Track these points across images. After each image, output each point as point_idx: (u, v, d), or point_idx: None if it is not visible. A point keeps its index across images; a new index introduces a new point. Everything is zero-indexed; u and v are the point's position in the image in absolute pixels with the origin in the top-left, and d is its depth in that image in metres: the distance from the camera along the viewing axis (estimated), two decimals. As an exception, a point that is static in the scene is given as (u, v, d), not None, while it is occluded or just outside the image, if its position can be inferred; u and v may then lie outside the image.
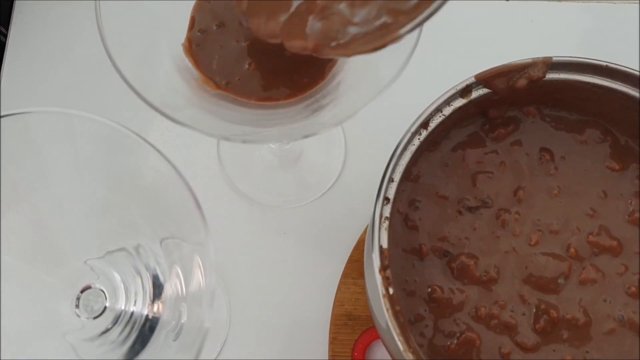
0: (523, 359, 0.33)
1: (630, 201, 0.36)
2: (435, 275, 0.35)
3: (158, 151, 0.24)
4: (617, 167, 0.36)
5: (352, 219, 0.46)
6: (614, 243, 0.35)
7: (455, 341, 0.34)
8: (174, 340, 0.28)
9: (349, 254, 0.44)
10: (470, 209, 0.36)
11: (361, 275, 0.43)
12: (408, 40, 0.29)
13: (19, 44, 0.50)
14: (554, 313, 0.33)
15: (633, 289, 0.34)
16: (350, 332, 0.42)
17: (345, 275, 0.44)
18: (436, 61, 0.49)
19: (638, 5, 0.52)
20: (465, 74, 0.35)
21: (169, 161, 0.24)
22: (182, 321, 0.28)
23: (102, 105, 0.47)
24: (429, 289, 0.34)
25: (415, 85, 0.47)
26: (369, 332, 0.42)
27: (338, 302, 0.43)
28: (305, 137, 0.30)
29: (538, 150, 0.37)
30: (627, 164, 0.37)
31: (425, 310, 0.34)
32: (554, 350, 0.33)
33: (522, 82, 0.35)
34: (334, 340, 0.42)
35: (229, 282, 0.45)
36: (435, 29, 0.50)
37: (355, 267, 0.44)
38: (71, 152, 0.26)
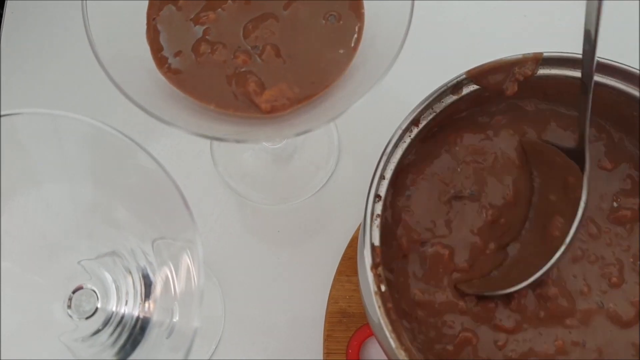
0: (516, 348, 0.33)
1: (617, 199, 0.36)
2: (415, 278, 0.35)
3: (145, 151, 0.24)
4: (609, 166, 0.36)
5: (345, 216, 0.46)
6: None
7: (452, 344, 0.34)
8: (167, 338, 0.28)
9: (343, 252, 0.44)
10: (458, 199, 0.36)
11: (355, 272, 0.43)
12: (397, 33, 0.30)
13: (10, 44, 0.50)
14: None
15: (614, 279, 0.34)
16: (345, 329, 0.42)
17: (339, 272, 0.44)
18: (429, 57, 0.49)
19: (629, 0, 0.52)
20: (458, 70, 0.35)
21: (155, 160, 0.24)
22: (174, 320, 0.28)
23: (92, 102, 0.47)
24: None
25: (409, 82, 0.47)
26: (363, 329, 0.42)
27: (332, 300, 0.43)
28: (298, 134, 0.30)
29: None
30: (619, 162, 0.37)
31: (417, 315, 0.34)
32: (540, 334, 0.34)
33: (512, 89, 0.35)
34: (329, 337, 0.42)
35: (223, 281, 0.45)
36: (427, 24, 0.50)
37: (349, 264, 0.44)
38: (58, 153, 0.26)
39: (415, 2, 0.30)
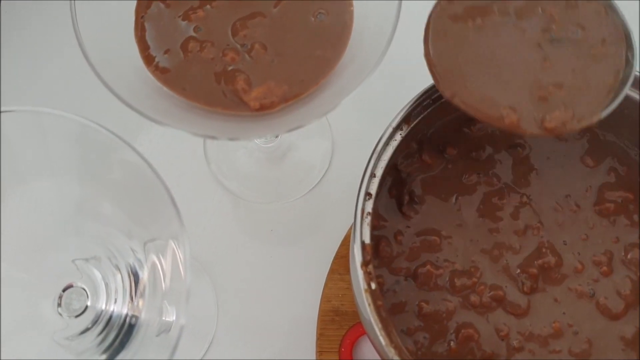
0: (519, 330, 0.34)
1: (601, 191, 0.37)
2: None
3: (132, 147, 0.24)
4: (592, 164, 0.37)
5: (339, 215, 0.46)
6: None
7: (454, 342, 0.34)
8: (157, 336, 0.28)
9: (336, 250, 0.44)
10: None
11: (348, 271, 0.43)
12: (385, 29, 0.30)
13: (2, 43, 0.50)
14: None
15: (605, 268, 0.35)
16: (338, 327, 0.42)
17: (332, 271, 0.44)
18: (421, 54, 0.49)
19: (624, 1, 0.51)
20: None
21: (142, 157, 0.24)
22: (163, 318, 0.28)
23: (84, 100, 0.47)
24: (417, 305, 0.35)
25: (403, 80, 0.47)
26: (356, 327, 0.42)
27: (325, 298, 0.43)
28: (288, 131, 0.30)
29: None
30: (602, 159, 0.37)
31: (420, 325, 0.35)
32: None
33: None
34: (321, 336, 0.42)
35: (216, 280, 0.45)
36: (418, 20, 0.49)
37: (342, 262, 0.44)
38: (45, 150, 0.26)
39: (407, -1, 0.30)
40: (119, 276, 0.30)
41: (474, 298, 0.35)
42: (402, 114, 0.34)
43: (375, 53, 0.29)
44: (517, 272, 0.35)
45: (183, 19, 0.32)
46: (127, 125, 0.47)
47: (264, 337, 0.44)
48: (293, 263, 0.46)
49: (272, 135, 0.41)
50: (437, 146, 0.37)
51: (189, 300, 0.25)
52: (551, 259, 0.35)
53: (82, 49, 0.28)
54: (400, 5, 0.29)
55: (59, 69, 0.50)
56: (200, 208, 0.47)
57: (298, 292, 0.45)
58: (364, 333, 0.42)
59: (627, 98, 0.35)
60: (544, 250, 0.35)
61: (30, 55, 0.50)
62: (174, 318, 0.27)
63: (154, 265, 0.29)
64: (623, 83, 0.31)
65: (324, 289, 0.43)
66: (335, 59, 0.32)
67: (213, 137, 0.29)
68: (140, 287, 0.29)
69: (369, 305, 0.31)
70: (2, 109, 0.24)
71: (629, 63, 0.31)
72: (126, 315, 0.30)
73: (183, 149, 0.48)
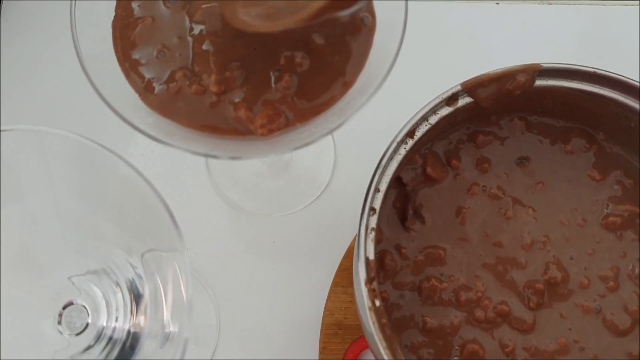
0: (524, 345, 0.34)
1: (607, 205, 0.36)
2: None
3: (129, 164, 0.24)
4: (598, 177, 0.36)
5: (342, 226, 0.46)
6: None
7: (458, 358, 0.33)
8: (161, 348, 0.28)
9: (339, 262, 0.44)
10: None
11: (351, 283, 0.43)
12: (392, 41, 0.29)
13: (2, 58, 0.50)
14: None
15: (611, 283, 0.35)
16: (341, 341, 0.42)
17: (335, 283, 0.43)
18: (427, 67, 0.49)
19: (628, 6, 0.51)
20: (455, 80, 0.35)
21: (139, 173, 0.24)
22: (166, 332, 0.28)
23: (84, 116, 0.46)
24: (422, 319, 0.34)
25: (407, 92, 0.46)
26: (359, 341, 0.42)
27: (328, 311, 0.43)
28: (296, 149, 0.30)
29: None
30: (609, 172, 0.37)
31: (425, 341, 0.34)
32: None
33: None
34: (324, 349, 0.42)
35: (218, 291, 0.45)
36: (423, 33, 0.49)
37: (345, 275, 0.43)
38: (44, 169, 0.26)
39: (411, 11, 0.30)
40: (119, 294, 0.30)
41: (479, 313, 0.34)
42: (406, 128, 0.33)
43: (382, 69, 0.28)
44: (522, 287, 0.35)
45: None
46: (128, 135, 0.47)
47: (266, 350, 0.44)
48: (295, 275, 0.45)
49: (277, 154, 0.41)
50: (441, 159, 0.37)
51: (192, 313, 0.25)
52: (557, 274, 0.35)
53: (84, 70, 0.28)
54: (405, 25, 0.29)
55: (58, 85, 0.49)
56: (201, 219, 0.47)
57: (300, 305, 0.44)
58: (367, 347, 0.42)
59: (634, 111, 0.34)
60: (550, 265, 0.35)
61: (29, 73, 0.50)
62: (177, 330, 0.26)
63: (154, 280, 0.29)
64: None
65: (326, 302, 0.43)
66: (350, 82, 0.32)
67: (214, 157, 0.28)
68: (142, 304, 0.29)
69: (373, 323, 0.31)
70: (2, 128, 0.24)
71: None
72: (129, 331, 0.30)
73: (184, 160, 0.48)
